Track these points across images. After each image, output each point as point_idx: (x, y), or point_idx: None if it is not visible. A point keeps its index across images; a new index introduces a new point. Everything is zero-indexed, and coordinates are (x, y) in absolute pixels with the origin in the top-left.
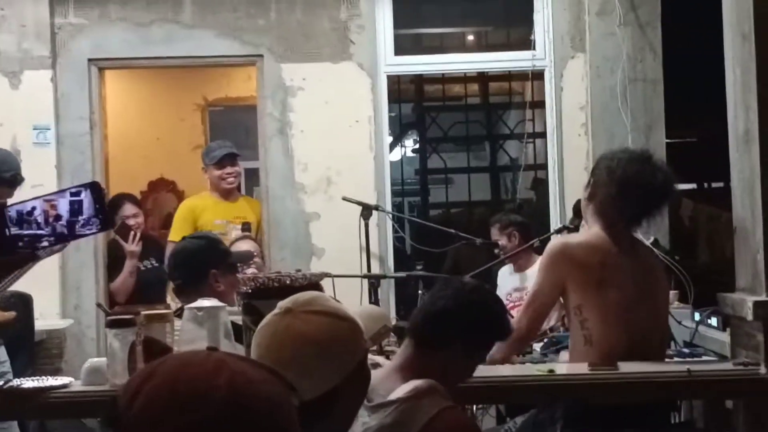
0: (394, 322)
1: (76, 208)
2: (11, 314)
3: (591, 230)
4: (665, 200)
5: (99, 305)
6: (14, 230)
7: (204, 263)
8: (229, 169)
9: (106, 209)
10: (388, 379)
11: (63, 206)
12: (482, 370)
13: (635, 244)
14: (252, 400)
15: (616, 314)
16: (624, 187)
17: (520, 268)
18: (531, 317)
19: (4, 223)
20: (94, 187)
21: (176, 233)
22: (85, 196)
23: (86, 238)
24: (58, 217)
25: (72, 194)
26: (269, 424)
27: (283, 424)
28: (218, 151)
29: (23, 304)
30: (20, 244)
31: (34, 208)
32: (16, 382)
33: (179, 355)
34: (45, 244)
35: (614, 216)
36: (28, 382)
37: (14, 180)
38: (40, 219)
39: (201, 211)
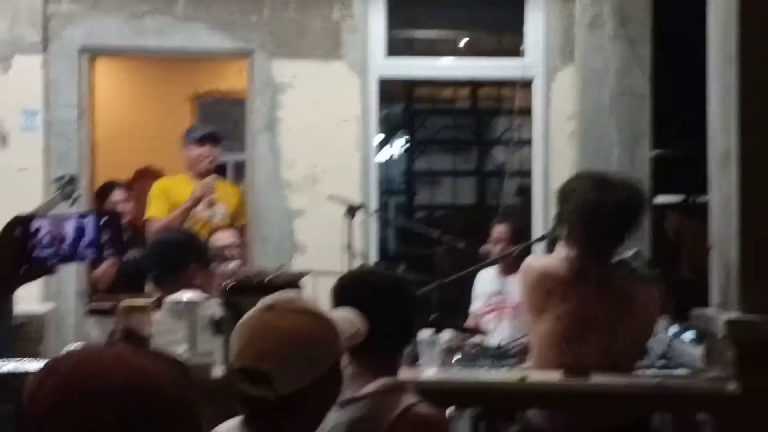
0: None
1: (80, 232)
2: None
3: (560, 254)
4: (634, 217)
5: (80, 294)
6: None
7: (184, 256)
8: (208, 149)
9: (122, 239)
10: (358, 378)
11: (68, 229)
12: (456, 374)
13: (608, 275)
14: (148, 396)
15: (549, 346)
16: (587, 215)
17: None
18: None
19: (28, 236)
20: (107, 216)
21: (152, 210)
22: (89, 221)
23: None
24: (62, 239)
25: (78, 218)
26: (165, 419)
27: (179, 419)
28: (200, 131)
29: None
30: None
31: (39, 229)
32: None
33: (80, 350)
34: (56, 262)
35: (584, 244)
36: (5, 366)
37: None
38: (46, 240)
39: (175, 190)
